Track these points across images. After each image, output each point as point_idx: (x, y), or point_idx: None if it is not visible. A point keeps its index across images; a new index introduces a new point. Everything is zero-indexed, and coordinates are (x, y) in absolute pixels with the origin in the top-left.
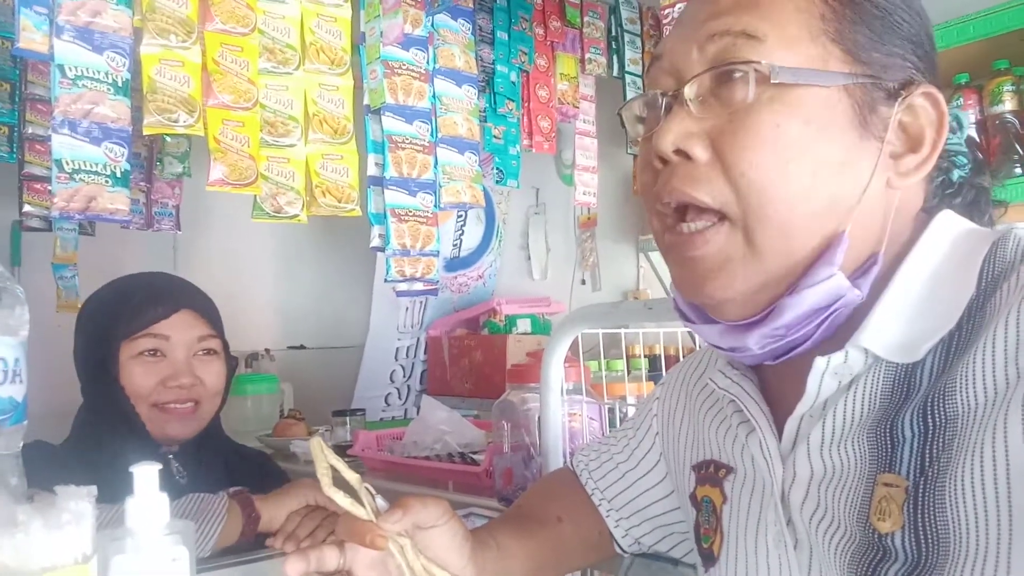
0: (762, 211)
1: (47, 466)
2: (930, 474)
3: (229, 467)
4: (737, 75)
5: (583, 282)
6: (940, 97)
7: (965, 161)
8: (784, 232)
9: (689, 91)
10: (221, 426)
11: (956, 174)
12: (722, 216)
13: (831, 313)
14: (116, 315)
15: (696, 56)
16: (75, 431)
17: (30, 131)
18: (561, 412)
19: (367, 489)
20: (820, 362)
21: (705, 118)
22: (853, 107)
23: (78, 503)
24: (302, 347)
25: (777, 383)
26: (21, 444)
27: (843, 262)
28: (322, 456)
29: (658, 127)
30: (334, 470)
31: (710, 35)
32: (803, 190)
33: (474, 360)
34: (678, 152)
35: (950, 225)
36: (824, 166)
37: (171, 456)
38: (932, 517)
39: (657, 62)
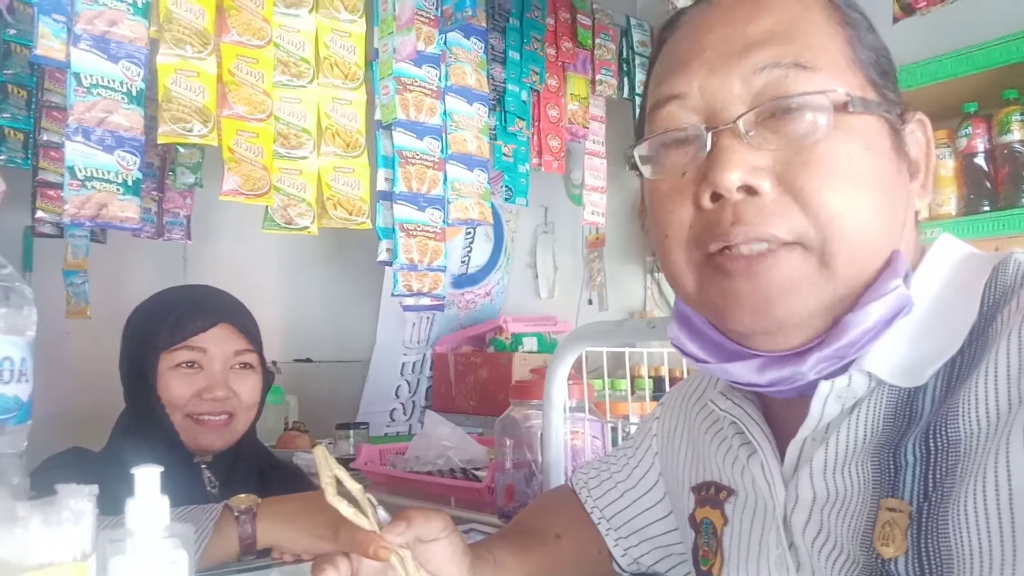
0: (844, 237)
1: (83, 472)
2: (933, 499)
3: (262, 478)
4: (794, 107)
5: (590, 302)
6: (928, 122)
7: None
8: (859, 255)
9: (744, 124)
10: (256, 437)
11: None
12: (794, 243)
13: (888, 326)
14: (157, 326)
15: (739, 89)
16: (114, 437)
17: (45, 138)
18: (564, 429)
19: (369, 500)
20: (824, 386)
21: (764, 151)
22: (890, 133)
23: (78, 501)
24: (308, 360)
25: (779, 406)
26: (25, 443)
27: None
28: (326, 465)
29: (717, 162)
30: (337, 481)
31: (757, 68)
32: (874, 213)
33: (479, 377)
34: (741, 188)
35: (951, 249)
36: (885, 189)
37: (204, 466)
38: (935, 542)
39: (677, 100)
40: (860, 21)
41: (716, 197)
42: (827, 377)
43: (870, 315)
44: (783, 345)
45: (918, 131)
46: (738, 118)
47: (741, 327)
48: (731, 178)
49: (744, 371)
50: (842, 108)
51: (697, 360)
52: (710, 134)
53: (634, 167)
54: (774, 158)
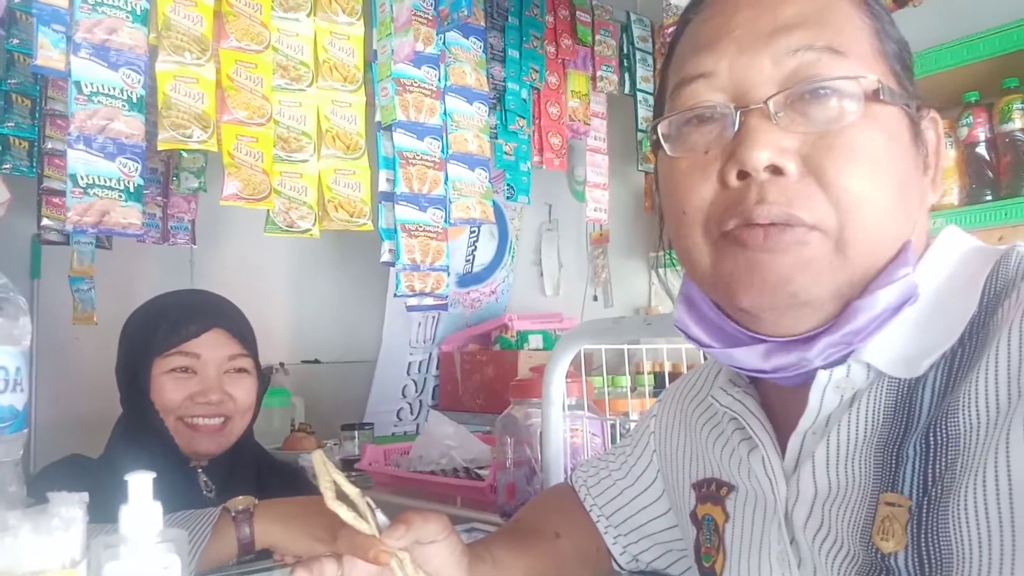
0: (862, 223)
1: (81, 479)
2: (933, 493)
3: (260, 481)
4: (825, 91)
5: (595, 298)
6: (940, 121)
7: None
8: (874, 244)
9: (774, 105)
10: (253, 439)
11: None
12: (813, 227)
13: (895, 314)
14: (151, 332)
15: (770, 70)
16: (111, 444)
17: (49, 146)
18: (563, 428)
19: (368, 504)
20: (822, 375)
21: (792, 133)
22: (910, 125)
23: (69, 509)
24: (316, 361)
25: (778, 400)
26: (21, 452)
27: None
28: (324, 470)
29: (746, 140)
30: (336, 485)
31: (790, 50)
32: (891, 203)
33: (485, 376)
34: (768, 167)
35: (956, 242)
36: (902, 180)
37: (200, 470)
38: (935, 537)
39: (703, 79)
40: (883, 13)
41: (742, 176)
42: (827, 367)
43: (879, 302)
44: (791, 329)
45: (930, 128)
46: (769, 98)
47: (750, 301)
48: (759, 157)
49: (748, 356)
50: (872, 96)
51: (701, 344)
52: (739, 113)
53: (656, 145)
54: (801, 140)
